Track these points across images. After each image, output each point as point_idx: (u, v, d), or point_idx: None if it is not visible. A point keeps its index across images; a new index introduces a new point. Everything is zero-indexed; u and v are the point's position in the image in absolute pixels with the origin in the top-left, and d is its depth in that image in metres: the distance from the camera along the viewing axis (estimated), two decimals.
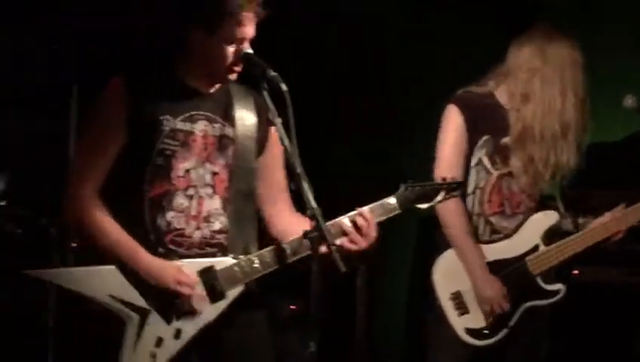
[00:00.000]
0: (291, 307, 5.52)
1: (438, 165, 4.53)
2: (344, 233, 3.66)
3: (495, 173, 4.58)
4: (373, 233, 3.68)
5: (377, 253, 3.79)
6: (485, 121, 4.57)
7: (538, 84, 4.50)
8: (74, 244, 5.05)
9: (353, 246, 3.65)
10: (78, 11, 6.24)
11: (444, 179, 3.92)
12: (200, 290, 3.60)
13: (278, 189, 3.85)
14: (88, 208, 3.62)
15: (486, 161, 4.57)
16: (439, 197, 3.88)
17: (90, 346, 3.68)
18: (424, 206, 3.87)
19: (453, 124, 4.57)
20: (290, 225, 3.77)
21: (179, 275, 3.57)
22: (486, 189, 4.59)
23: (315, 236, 3.42)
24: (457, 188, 3.95)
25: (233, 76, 3.69)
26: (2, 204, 5.49)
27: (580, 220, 4.64)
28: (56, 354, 5.25)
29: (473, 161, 4.58)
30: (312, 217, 3.40)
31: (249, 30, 3.61)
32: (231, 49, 3.61)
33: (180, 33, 3.69)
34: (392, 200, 3.79)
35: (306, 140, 3.50)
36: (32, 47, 6.58)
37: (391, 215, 3.78)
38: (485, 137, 4.57)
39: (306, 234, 3.50)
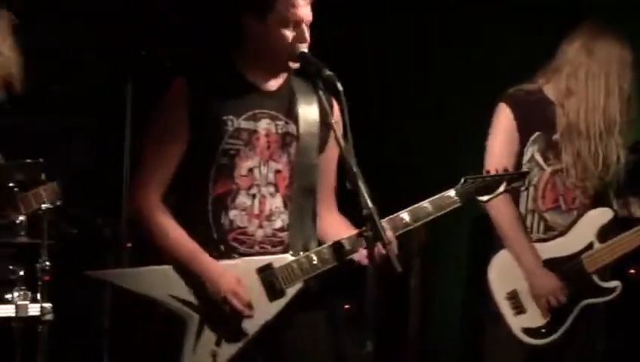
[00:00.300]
0: (345, 306, 5.52)
1: (487, 163, 4.49)
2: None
3: (548, 169, 4.56)
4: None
5: (429, 252, 3.78)
6: (536, 118, 4.55)
7: (582, 79, 4.49)
8: (129, 245, 5.08)
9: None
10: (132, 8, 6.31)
11: (505, 169, 3.91)
12: (256, 296, 3.59)
13: (327, 189, 3.85)
14: (152, 209, 3.63)
15: (538, 157, 4.56)
16: (501, 188, 3.87)
17: (148, 347, 3.70)
18: (485, 198, 3.86)
19: (503, 122, 4.56)
20: (332, 226, 3.79)
21: (236, 287, 3.57)
22: (540, 185, 4.56)
23: (371, 235, 3.41)
24: (519, 178, 3.95)
25: (295, 64, 3.66)
26: (58, 204, 5.53)
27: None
28: (111, 354, 5.27)
29: (525, 158, 4.56)
30: (369, 216, 3.38)
31: (303, 12, 3.59)
32: (287, 33, 3.59)
33: (236, 25, 3.68)
34: (451, 192, 3.78)
35: (362, 137, 3.49)
36: (86, 46, 6.66)
37: (451, 208, 3.77)
38: (536, 134, 4.55)
39: (361, 233, 3.49)
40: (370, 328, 3.41)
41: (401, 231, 3.68)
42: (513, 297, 4.49)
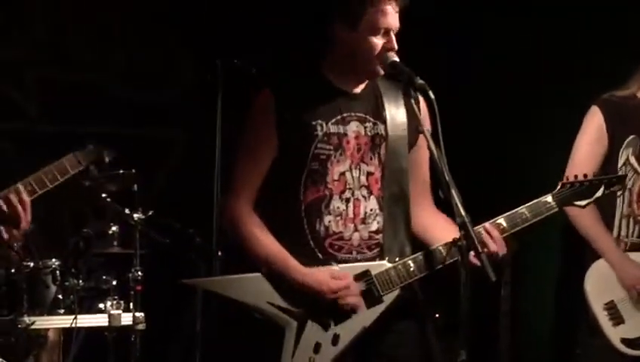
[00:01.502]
0: (436, 315, 5.49)
1: (571, 161, 4.52)
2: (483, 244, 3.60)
3: None
4: (501, 250, 3.62)
5: (520, 261, 3.74)
6: (630, 121, 4.53)
7: None
8: (220, 253, 5.10)
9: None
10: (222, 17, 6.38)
11: (606, 173, 3.88)
12: (357, 293, 3.59)
13: (423, 187, 3.81)
14: (244, 217, 3.65)
15: (633, 161, 4.52)
16: (599, 193, 3.82)
17: (242, 355, 3.71)
18: (583, 203, 3.81)
19: (593, 123, 4.55)
20: (432, 225, 3.76)
21: (333, 284, 3.56)
22: (634, 189, 4.52)
23: (464, 244, 3.38)
24: (618, 182, 3.90)
25: (381, 71, 3.66)
26: (150, 213, 5.59)
27: None
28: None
29: (620, 161, 4.53)
30: (462, 225, 3.35)
31: (391, 20, 3.61)
32: (377, 41, 3.60)
33: (323, 32, 3.69)
34: (548, 198, 3.75)
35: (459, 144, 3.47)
36: (176, 57, 6.74)
37: (549, 213, 3.73)
38: (631, 137, 4.53)
39: (455, 242, 3.47)
40: (464, 337, 3.35)
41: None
42: (611, 308, 4.44)
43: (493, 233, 3.63)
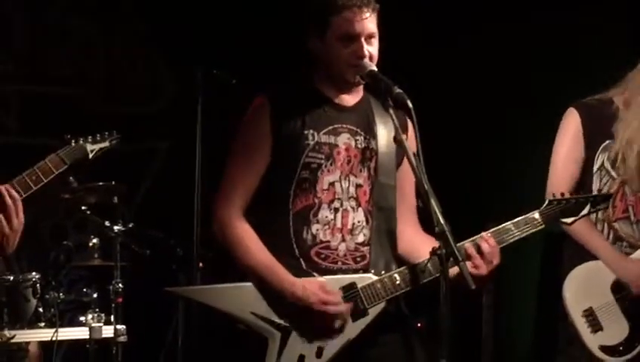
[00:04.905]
0: (417, 324, 5.49)
1: (552, 165, 4.49)
2: (468, 257, 3.60)
3: (618, 179, 4.51)
4: (496, 260, 3.63)
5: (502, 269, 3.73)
6: (605, 126, 4.50)
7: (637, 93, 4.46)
8: (201, 265, 5.10)
9: (474, 271, 3.59)
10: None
11: (599, 190, 3.89)
12: (346, 308, 3.56)
13: (407, 206, 3.82)
14: (233, 225, 3.63)
15: (608, 166, 4.51)
16: (585, 211, 3.84)
17: None
18: (569, 220, 3.83)
19: (570, 125, 4.53)
20: (418, 243, 3.73)
21: (323, 295, 3.54)
22: None
23: (444, 253, 3.37)
24: (604, 201, 3.92)
25: (359, 80, 3.65)
26: (130, 226, 5.59)
27: None
28: None
29: (596, 166, 4.51)
30: (441, 234, 3.34)
31: (358, 27, 3.59)
32: (344, 49, 3.61)
33: (304, 42, 3.71)
34: (535, 215, 3.75)
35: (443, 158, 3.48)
36: (158, 67, 6.75)
37: (534, 230, 3.73)
38: (607, 142, 4.50)
39: (434, 251, 3.45)
40: (445, 345, 3.35)
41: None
42: (590, 315, 4.43)
43: (490, 241, 3.63)
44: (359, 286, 3.59)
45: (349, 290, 3.58)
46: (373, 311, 3.59)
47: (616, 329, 4.42)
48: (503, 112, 6.06)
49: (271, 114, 3.63)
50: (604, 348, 4.40)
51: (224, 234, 3.64)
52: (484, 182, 6.10)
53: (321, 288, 3.54)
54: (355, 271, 3.63)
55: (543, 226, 3.76)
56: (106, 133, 4.13)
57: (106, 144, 4.12)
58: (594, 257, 4.48)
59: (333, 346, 3.55)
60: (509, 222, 3.71)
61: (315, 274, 3.59)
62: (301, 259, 3.60)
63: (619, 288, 4.46)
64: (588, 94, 4.62)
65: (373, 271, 3.63)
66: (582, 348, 4.41)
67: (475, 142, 6.13)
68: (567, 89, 5.48)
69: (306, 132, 3.63)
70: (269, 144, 3.63)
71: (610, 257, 4.46)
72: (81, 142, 4.00)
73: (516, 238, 3.72)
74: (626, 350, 4.41)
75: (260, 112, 3.65)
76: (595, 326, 4.41)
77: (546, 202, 3.80)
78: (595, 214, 4.45)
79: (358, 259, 3.65)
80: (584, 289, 4.44)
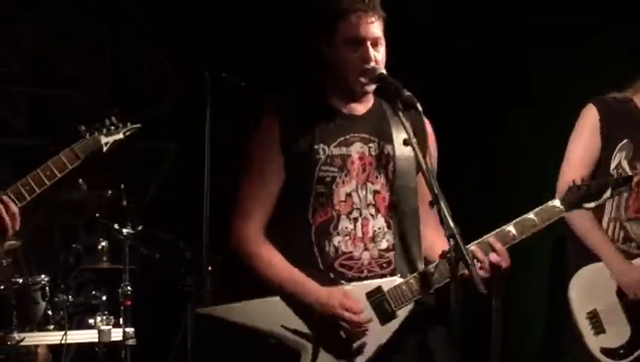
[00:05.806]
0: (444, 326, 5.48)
1: (566, 161, 4.50)
2: (477, 260, 3.58)
3: (635, 178, 4.48)
4: (504, 263, 3.60)
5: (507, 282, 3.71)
6: (623, 125, 4.51)
7: None
8: (210, 268, 5.09)
9: (482, 274, 3.57)
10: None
11: (619, 174, 3.87)
12: (368, 314, 3.56)
13: (427, 207, 3.76)
14: (254, 242, 3.63)
15: (625, 165, 4.51)
16: (607, 194, 3.79)
17: None
18: (591, 205, 3.77)
19: (588, 121, 4.54)
20: (435, 242, 3.71)
21: (345, 301, 3.54)
22: (623, 194, 4.48)
23: (453, 256, 3.37)
24: (624, 183, 3.84)
25: (369, 87, 3.64)
26: (140, 228, 5.59)
27: None
28: None
29: (613, 164, 4.51)
30: (451, 237, 3.34)
31: (363, 31, 3.58)
32: (352, 53, 3.60)
33: (315, 49, 3.70)
34: (556, 202, 3.72)
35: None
36: (164, 68, 6.75)
37: (557, 217, 3.69)
38: (625, 141, 4.51)
39: (444, 254, 3.45)
40: (456, 348, 3.35)
41: (510, 245, 3.62)
42: (593, 317, 4.43)
43: (496, 245, 3.60)
44: (385, 289, 3.58)
45: (376, 294, 3.57)
46: (402, 314, 3.57)
47: (618, 333, 4.42)
48: (503, 113, 6.05)
49: (280, 135, 3.62)
50: (605, 351, 4.41)
51: (244, 252, 3.64)
52: (483, 182, 6.09)
53: (344, 294, 3.54)
54: (382, 277, 3.61)
55: (566, 213, 3.70)
56: (120, 124, 4.10)
57: (120, 136, 4.09)
58: (599, 258, 4.49)
59: (365, 352, 3.54)
60: (530, 213, 3.67)
61: (342, 281, 3.58)
62: (328, 272, 3.59)
63: (625, 292, 4.47)
64: (588, 94, 4.62)
65: (399, 275, 3.61)
66: (583, 348, 4.41)
67: (475, 142, 6.12)
68: (568, 89, 5.50)
69: (316, 147, 3.61)
70: (281, 164, 3.62)
71: (611, 258, 4.45)
72: (96, 134, 3.98)
73: (539, 228, 3.66)
74: (626, 354, 4.41)
75: (268, 134, 3.64)
76: (598, 328, 4.42)
77: (567, 189, 3.73)
78: (609, 213, 4.46)
79: (384, 266, 3.63)
80: (590, 291, 4.45)
